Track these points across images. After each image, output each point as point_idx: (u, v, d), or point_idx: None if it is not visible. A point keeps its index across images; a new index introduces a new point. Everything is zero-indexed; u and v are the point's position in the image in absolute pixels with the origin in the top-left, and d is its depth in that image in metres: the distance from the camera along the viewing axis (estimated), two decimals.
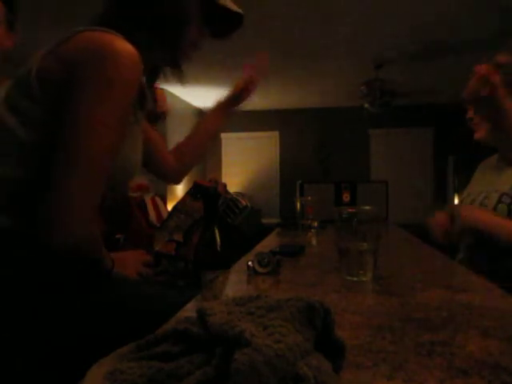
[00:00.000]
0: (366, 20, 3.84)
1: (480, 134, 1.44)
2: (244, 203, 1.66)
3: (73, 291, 0.88)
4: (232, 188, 7.11)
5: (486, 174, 1.54)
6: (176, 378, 0.35)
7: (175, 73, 1.08)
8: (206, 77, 5.63)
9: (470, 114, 1.46)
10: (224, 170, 7.78)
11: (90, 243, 0.88)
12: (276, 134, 7.65)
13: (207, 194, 1.31)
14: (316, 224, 2.14)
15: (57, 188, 0.79)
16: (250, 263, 1.03)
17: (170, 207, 2.31)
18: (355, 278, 0.92)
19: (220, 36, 1.21)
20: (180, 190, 6.32)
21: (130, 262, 1.11)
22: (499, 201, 1.36)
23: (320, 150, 7.42)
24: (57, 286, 0.87)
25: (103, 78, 0.80)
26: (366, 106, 5.48)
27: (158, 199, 3.06)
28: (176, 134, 6.41)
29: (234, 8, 1.10)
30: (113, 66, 0.80)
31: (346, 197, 2.86)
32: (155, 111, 1.43)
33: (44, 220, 0.81)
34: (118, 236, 2.52)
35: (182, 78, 1.09)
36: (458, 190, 6.78)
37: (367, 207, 0.96)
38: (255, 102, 6.97)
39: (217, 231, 1.07)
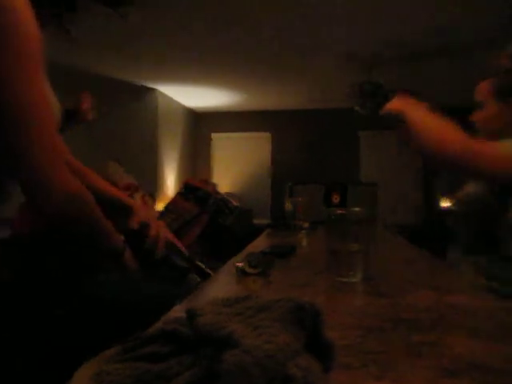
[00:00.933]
0: (356, 22, 3.86)
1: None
2: (235, 204, 1.66)
3: (66, 292, 0.88)
4: (223, 188, 7.10)
5: None
6: (164, 379, 0.35)
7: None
8: (197, 77, 5.62)
9: (471, 117, 1.42)
10: (215, 170, 7.77)
11: (71, 191, 0.82)
12: (267, 134, 7.66)
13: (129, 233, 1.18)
14: (307, 225, 2.14)
15: (10, 148, 0.77)
16: (240, 264, 1.02)
17: (160, 206, 2.30)
18: (345, 279, 0.92)
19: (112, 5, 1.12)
20: (170, 189, 6.31)
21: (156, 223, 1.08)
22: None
23: (311, 151, 7.44)
24: (51, 285, 0.86)
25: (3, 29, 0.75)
26: (356, 108, 5.51)
27: (148, 199, 3.04)
28: (167, 133, 6.39)
29: None
30: (8, 14, 0.75)
31: (336, 198, 2.86)
32: (79, 114, 1.36)
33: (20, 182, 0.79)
34: None
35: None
36: (447, 193, 6.83)
37: (357, 209, 0.97)
38: (246, 102, 6.99)
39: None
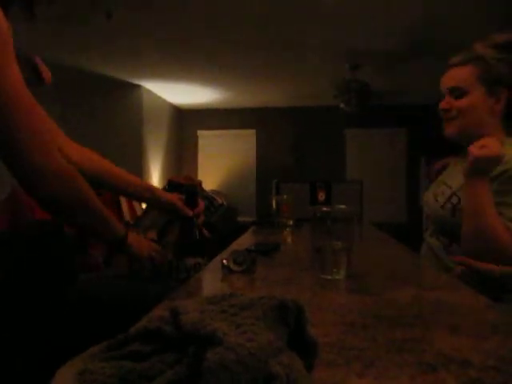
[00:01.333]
0: (342, 20, 3.88)
1: (451, 130, 1.38)
2: (220, 201, 1.66)
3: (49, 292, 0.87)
4: (208, 186, 7.09)
5: (452, 167, 1.52)
6: (148, 378, 0.35)
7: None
8: (183, 73, 5.59)
9: (445, 104, 1.38)
10: (200, 168, 7.74)
11: (63, 173, 0.83)
12: (253, 132, 7.65)
13: (188, 190, 1.33)
14: (291, 222, 2.15)
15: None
16: (224, 261, 1.02)
17: (144, 204, 2.28)
18: (329, 277, 0.93)
19: None
20: (155, 185, 6.26)
21: (145, 244, 1.09)
22: (448, 200, 1.35)
23: (296, 148, 7.46)
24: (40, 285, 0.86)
25: None
26: (342, 106, 5.54)
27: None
28: (152, 130, 6.34)
29: None
30: None
31: (321, 196, 2.88)
32: (35, 79, 1.34)
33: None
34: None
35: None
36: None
37: (342, 206, 0.98)
38: (232, 100, 6.97)
39: (196, 222, 1.15)
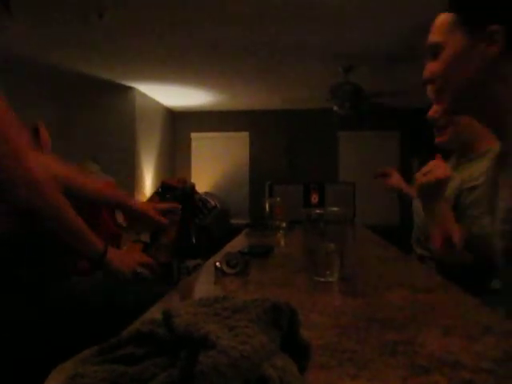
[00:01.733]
0: (335, 22, 3.89)
1: (442, 139, 1.39)
2: (213, 203, 1.66)
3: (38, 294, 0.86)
4: (201, 188, 7.07)
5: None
6: (140, 382, 0.34)
7: None
8: (176, 76, 5.58)
9: (435, 112, 1.37)
10: (193, 170, 7.72)
11: (33, 178, 0.82)
12: (246, 134, 7.65)
13: (184, 192, 1.33)
14: (284, 225, 2.15)
15: None
16: (218, 264, 1.02)
17: None
18: (322, 279, 0.93)
19: None
20: (148, 188, 6.25)
21: (127, 259, 1.08)
22: None
23: (289, 151, 7.47)
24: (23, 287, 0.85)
25: None
26: (335, 108, 5.55)
27: None
28: (145, 132, 6.32)
29: None
30: None
31: (315, 198, 2.88)
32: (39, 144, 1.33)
33: None
34: None
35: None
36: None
37: (335, 208, 0.98)
38: (225, 102, 6.97)
39: (192, 225, 1.16)
